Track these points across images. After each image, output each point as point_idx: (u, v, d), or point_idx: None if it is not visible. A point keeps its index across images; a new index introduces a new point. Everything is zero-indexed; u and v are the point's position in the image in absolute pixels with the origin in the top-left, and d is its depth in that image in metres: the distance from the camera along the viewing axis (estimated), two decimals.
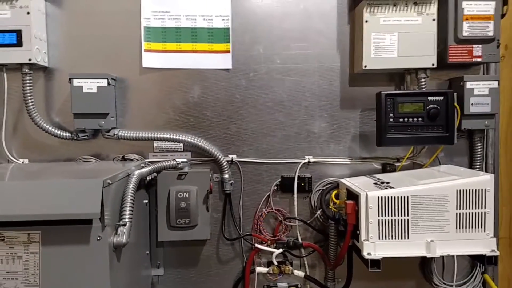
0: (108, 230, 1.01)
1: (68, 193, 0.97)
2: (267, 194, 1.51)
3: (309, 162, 1.51)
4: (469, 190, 1.20)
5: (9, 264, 0.99)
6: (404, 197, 1.20)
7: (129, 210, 1.10)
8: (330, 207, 1.43)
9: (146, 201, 1.41)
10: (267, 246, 1.49)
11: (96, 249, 0.99)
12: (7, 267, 0.99)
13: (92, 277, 1.00)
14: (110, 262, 1.01)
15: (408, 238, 1.21)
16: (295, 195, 1.49)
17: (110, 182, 1.04)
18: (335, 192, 1.44)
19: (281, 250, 1.48)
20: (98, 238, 0.99)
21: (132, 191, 1.14)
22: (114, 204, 1.08)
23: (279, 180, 1.51)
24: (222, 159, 1.47)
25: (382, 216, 1.21)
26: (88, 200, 0.96)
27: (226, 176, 1.47)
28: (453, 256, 1.49)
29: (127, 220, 1.08)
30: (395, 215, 1.21)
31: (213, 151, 1.46)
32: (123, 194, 1.13)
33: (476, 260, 1.36)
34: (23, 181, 1.10)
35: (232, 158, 1.49)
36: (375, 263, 1.21)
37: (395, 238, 1.21)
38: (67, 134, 1.42)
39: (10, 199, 0.96)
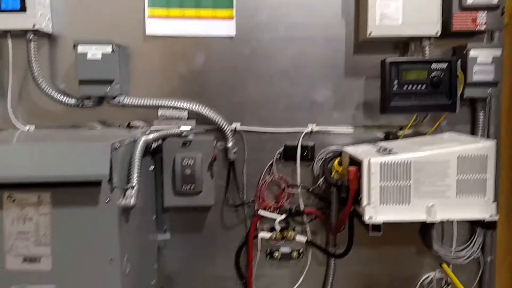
0: (116, 192, 1.03)
1: (78, 156, 0.99)
2: (270, 162, 1.53)
3: (311, 131, 1.52)
4: (471, 155, 1.22)
5: (20, 225, 1.02)
6: (407, 162, 1.22)
7: (136, 173, 1.12)
8: (332, 175, 1.45)
9: (152, 167, 1.43)
10: (270, 212, 1.52)
11: (105, 211, 1.02)
12: (18, 228, 1.02)
13: (101, 238, 1.03)
14: (119, 224, 1.04)
15: (409, 203, 1.23)
16: (298, 164, 1.51)
17: (118, 146, 1.05)
18: (337, 159, 1.46)
19: (283, 216, 1.50)
20: (107, 200, 1.01)
21: (139, 156, 1.16)
22: (121, 168, 1.10)
23: (282, 148, 1.52)
24: (226, 127, 1.48)
25: (384, 181, 1.22)
26: (97, 162, 0.98)
27: (229, 144, 1.49)
28: (452, 223, 1.52)
29: (135, 182, 1.10)
30: (397, 181, 1.23)
31: (217, 119, 1.47)
32: (130, 158, 1.15)
33: (475, 225, 1.39)
34: (33, 143, 1.12)
35: (235, 127, 1.50)
36: (376, 227, 1.24)
37: (396, 204, 1.24)
38: (73, 101, 1.43)
39: (21, 161, 0.98)
